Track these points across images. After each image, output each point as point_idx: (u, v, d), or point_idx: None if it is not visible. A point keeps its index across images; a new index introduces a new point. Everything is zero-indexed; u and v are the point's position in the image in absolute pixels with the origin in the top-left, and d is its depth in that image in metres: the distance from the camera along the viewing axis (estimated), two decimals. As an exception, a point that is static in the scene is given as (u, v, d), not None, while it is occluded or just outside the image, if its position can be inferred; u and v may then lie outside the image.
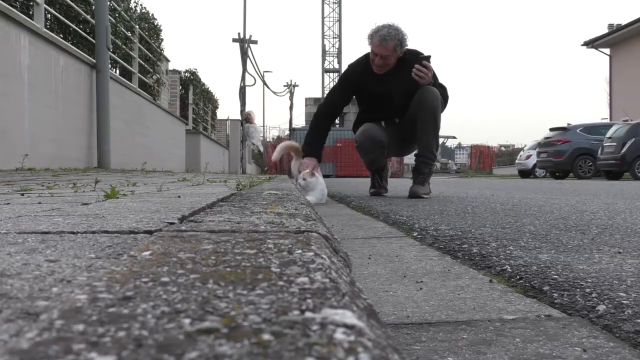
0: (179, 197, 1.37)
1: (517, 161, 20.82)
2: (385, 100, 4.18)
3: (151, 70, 11.09)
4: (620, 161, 13.33)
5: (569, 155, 15.03)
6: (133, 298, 0.33)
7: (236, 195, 1.36)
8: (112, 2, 8.47)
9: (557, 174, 15.81)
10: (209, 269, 0.42)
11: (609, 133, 13.99)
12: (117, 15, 8.74)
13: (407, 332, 0.81)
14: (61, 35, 7.00)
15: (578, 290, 1.04)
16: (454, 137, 40.01)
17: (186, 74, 15.81)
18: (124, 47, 8.99)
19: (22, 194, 1.63)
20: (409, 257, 1.30)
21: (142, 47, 10.30)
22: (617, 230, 2.00)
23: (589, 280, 1.11)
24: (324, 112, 4.21)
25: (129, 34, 9.28)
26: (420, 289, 1.12)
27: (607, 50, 22.01)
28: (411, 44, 4.13)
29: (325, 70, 36.73)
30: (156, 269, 0.42)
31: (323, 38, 37.27)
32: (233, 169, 17.12)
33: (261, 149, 23.54)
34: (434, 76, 4.04)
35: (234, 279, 0.39)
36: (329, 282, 0.38)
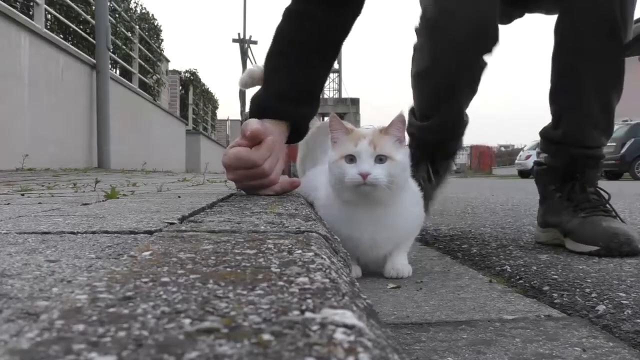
0: (179, 197, 1.37)
1: (517, 161, 20.82)
2: None
3: (151, 70, 11.09)
4: (620, 161, 13.33)
5: (569, 156, 15.00)
6: (133, 298, 0.33)
7: (236, 195, 1.36)
8: (112, 2, 8.48)
9: (557, 174, 15.77)
10: (209, 269, 0.42)
11: (609, 133, 13.98)
12: (117, 15, 8.74)
13: (407, 332, 0.81)
14: (61, 36, 7.00)
15: (578, 290, 1.04)
16: (454, 137, 39.90)
17: (186, 74, 15.81)
18: (124, 47, 8.99)
19: (23, 194, 1.63)
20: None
21: (142, 48, 10.30)
22: (617, 230, 2.00)
23: (589, 280, 1.11)
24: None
25: (129, 34, 9.28)
26: (420, 289, 1.12)
27: (607, 51, 21.96)
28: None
29: (325, 71, 36.64)
30: (156, 269, 0.42)
31: (323, 38, 37.16)
32: (233, 169, 17.06)
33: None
34: None
35: (234, 279, 0.39)
36: (329, 282, 0.38)
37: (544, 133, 1.67)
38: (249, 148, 1.28)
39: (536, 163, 1.76)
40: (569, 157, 1.58)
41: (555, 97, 1.57)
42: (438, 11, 1.51)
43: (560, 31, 1.49)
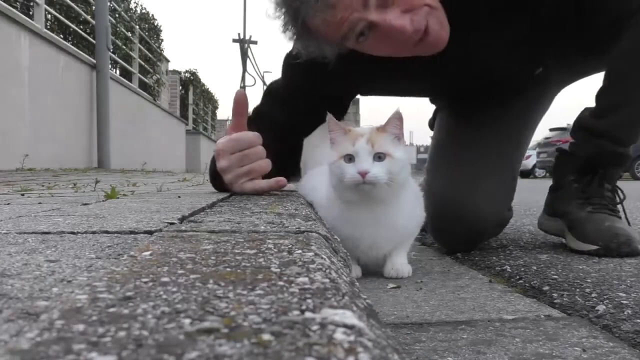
0: (179, 197, 1.37)
1: (517, 161, 20.75)
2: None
3: (151, 70, 11.09)
4: (620, 161, 13.31)
5: (569, 156, 14.98)
6: (133, 298, 0.33)
7: (236, 195, 1.36)
8: (112, 2, 8.48)
9: (557, 174, 15.75)
10: (209, 269, 0.42)
11: (609, 133, 13.96)
12: (117, 15, 8.75)
13: (407, 332, 0.81)
14: (61, 36, 7.00)
15: (578, 290, 1.04)
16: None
17: (186, 75, 15.82)
18: (124, 47, 9.00)
19: (23, 194, 1.63)
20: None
21: (142, 48, 10.31)
22: (617, 230, 1.99)
23: (589, 280, 1.11)
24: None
25: (129, 34, 9.29)
26: (420, 289, 1.12)
27: (607, 51, 21.95)
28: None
29: (325, 71, 36.65)
30: (156, 269, 0.42)
31: (323, 38, 37.12)
32: (233, 169, 17.05)
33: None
34: None
35: (234, 279, 0.39)
36: (329, 282, 0.38)
37: (580, 119, 1.59)
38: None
39: (558, 150, 1.73)
40: (597, 150, 1.53)
41: (604, 94, 1.52)
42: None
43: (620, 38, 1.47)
